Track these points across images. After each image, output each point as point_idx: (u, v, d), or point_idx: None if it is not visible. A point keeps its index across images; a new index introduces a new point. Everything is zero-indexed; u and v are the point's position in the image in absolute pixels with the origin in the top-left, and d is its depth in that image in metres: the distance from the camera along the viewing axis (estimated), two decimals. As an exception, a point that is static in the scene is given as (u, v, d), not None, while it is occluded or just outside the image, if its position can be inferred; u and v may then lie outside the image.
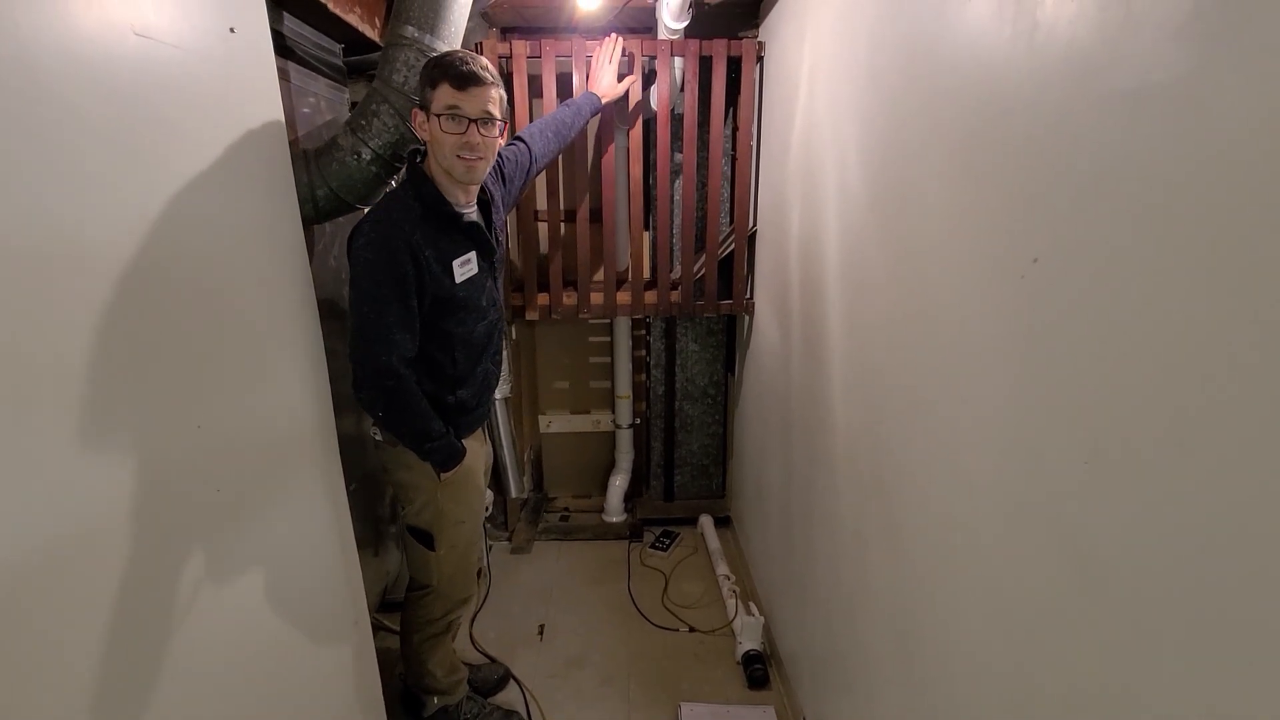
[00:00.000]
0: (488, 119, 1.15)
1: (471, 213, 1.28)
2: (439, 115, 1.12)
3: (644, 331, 2.54)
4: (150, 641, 0.77)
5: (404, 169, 1.41)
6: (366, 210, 1.28)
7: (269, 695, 1.02)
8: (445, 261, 1.21)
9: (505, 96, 1.21)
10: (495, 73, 1.16)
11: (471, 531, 1.43)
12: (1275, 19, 0.44)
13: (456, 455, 1.30)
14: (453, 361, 1.29)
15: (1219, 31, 0.48)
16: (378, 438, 1.33)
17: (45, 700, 0.64)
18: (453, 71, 1.11)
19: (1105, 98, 0.58)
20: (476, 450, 1.41)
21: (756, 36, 1.95)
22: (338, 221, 1.59)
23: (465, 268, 1.25)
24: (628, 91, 1.84)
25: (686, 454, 2.58)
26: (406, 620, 1.50)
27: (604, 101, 1.72)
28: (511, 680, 1.79)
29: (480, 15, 1.92)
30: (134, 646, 0.74)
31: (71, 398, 0.66)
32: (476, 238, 1.28)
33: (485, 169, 1.21)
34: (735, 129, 2.02)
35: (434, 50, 1.31)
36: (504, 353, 2.08)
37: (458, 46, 1.38)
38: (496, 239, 1.35)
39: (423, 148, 1.22)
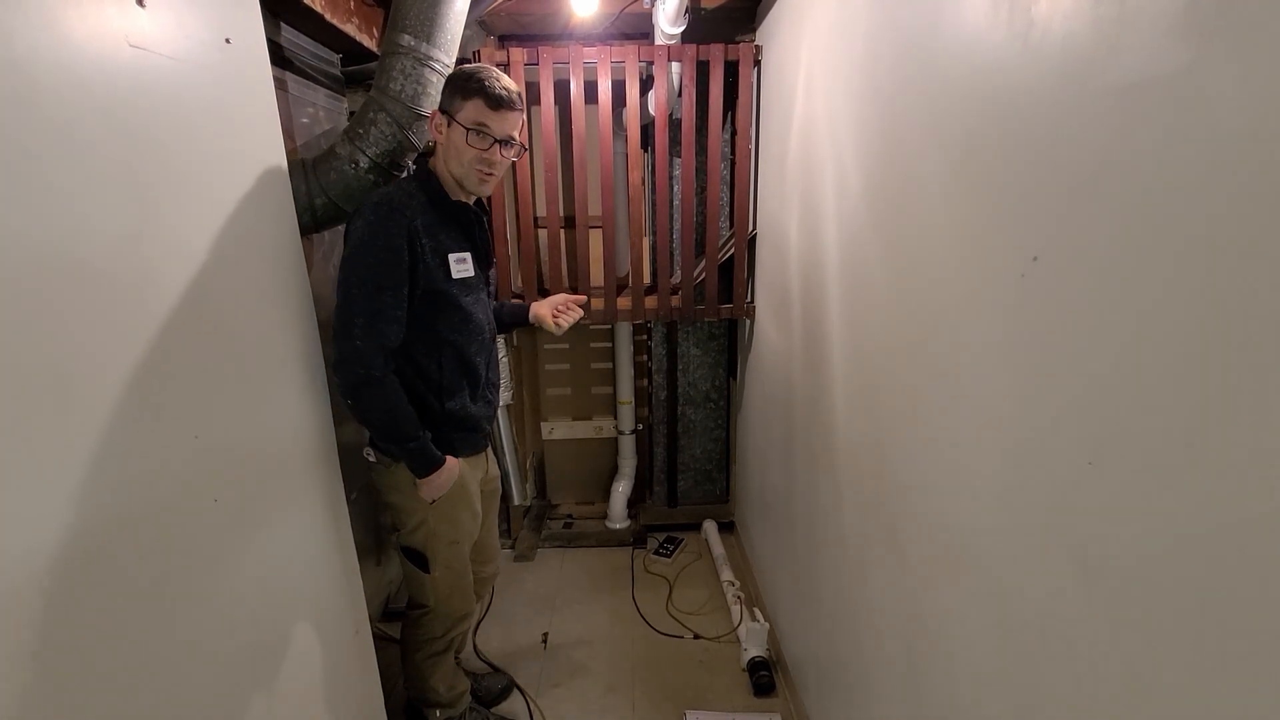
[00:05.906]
0: (510, 141, 1.21)
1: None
2: (466, 128, 1.17)
3: (645, 337, 2.53)
4: (148, 650, 0.76)
5: (411, 164, 1.42)
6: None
7: (268, 705, 1.01)
8: (442, 254, 1.23)
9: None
10: (522, 97, 1.22)
11: (467, 552, 1.43)
12: (1268, 11, 0.43)
13: (433, 463, 1.25)
14: (439, 367, 1.27)
15: (1213, 25, 0.47)
16: (371, 458, 1.31)
17: (42, 707, 0.63)
18: (489, 91, 1.15)
19: (1101, 94, 0.58)
20: (469, 470, 1.39)
21: (754, 40, 1.96)
22: (336, 230, 1.59)
23: (461, 266, 1.27)
24: (625, 99, 1.84)
25: (689, 459, 2.58)
26: (407, 639, 1.49)
27: (530, 315, 1.55)
28: (515, 690, 1.78)
29: (477, 23, 1.93)
30: (131, 655, 0.74)
31: (66, 407, 0.66)
32: (476, 236, 1.30)
33: (495, 184, 1.28)
34: (734, 133, 2.02)
35: (431, 58, 1.31)
36: (500, 367, 2.08)
37: (454, 54, 1.38)
38: (490, 251, 1.37)
39: (430, 146, 1.25)
